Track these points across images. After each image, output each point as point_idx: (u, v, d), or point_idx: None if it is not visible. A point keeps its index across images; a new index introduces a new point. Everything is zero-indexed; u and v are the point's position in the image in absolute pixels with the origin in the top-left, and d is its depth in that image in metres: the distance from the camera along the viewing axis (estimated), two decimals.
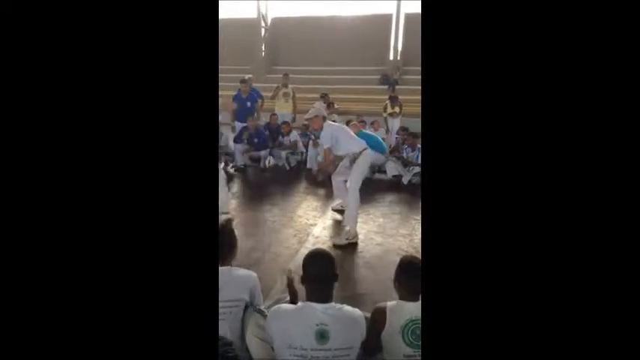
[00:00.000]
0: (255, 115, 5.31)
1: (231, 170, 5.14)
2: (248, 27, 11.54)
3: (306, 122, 3.44)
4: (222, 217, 2.82)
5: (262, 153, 5.17)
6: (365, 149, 3.07)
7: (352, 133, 3.24)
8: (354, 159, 3.06)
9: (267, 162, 5.30)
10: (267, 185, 4.66)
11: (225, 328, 1.45)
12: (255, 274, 1.64)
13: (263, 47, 11.70)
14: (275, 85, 6.25)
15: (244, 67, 10.01)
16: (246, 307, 1.53)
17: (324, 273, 1.29)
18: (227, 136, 5.16)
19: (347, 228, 3.00)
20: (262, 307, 1.57)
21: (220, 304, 1.49)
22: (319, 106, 3.46)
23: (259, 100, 5.56)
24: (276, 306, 1.37)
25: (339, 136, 3.03)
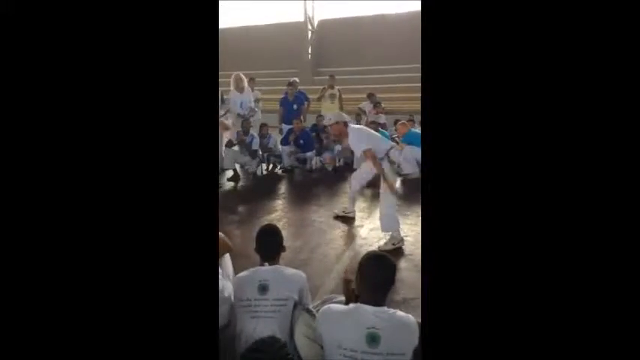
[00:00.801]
0: (302, 117, 5.37)
1: (279, 172, 5.25)
2: (295, 30, 11.75)
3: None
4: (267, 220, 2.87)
5: (308, 154, 5.22)
6: (391, 148, 2.98)
7: (375, 133, 3.18)
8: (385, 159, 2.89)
9: (313, 163, 5.35)
10: (314, 186, 4.70)
11: (275, 327, 1.47)
12: (303, 274, 1.65)
13: (309, 50, 11.84)
14: (321, 86, 6.28)
15: (291, 71, 10.19)
16: (295, 306, 1.55)
17: (382, 277, 1.26)
18: (275, 139, 5.28)
19: (393, 233, 2.90)
20: (310, 307, 1.57)
21: (269, 303, 1.51)
22: (339, 113, 3.33)
23: (305, 102, 5.63)
24: (327, 306, 1.37)
25: (369, 137, 2.97)
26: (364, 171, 3.25)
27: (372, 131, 3.17)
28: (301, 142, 5.15)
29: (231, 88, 5.03)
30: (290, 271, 1.64)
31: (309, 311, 1.50)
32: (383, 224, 2.86)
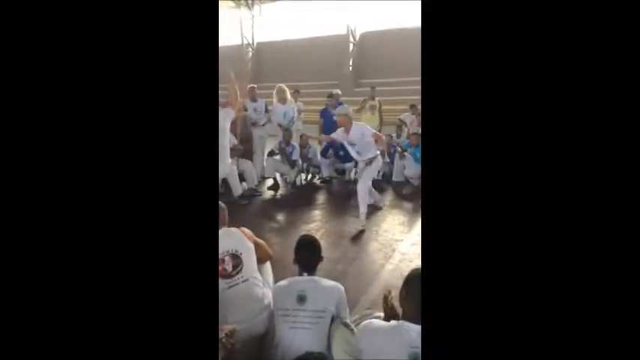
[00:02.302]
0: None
1: (318, 182, 5.28)
2: (336, 43, 11.92)
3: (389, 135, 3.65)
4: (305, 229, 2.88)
5: (347, 165, 5.22)
6: (378, 155, 3.38)
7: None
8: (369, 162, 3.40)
9: (352, 174, 5.33)
10: (353, 197, 4.67)
11: (312, 339, 1.47)
12: (342, 287, 1.64)
13: (351, 62, 11.94)
14: (362, 98, 6.30)
15: (332, 82, 10.32)
16: (332, 319, 1.53)
17: None
18: (314, 149, 5.34)
19: None
20: (348, 321, 1.55)
21: (307, 314, 1.51)
22: (344, 107, 3.69)
23: None
24: (369, 321, 1.34)
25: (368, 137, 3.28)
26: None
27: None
28: (341, 153, 5.16)
29: (274, 99, 5.17)
30: (328, 282, 1.64)
31: (347, 325, 1.48)
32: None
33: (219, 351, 1.25)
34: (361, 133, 3.34)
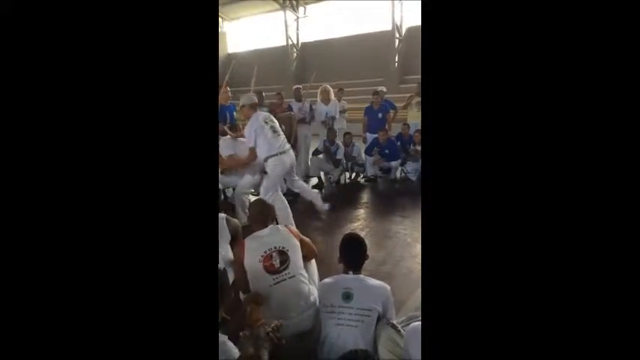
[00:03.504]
0: (387, 126, 5.30)
1: (362, 181, 5.24)
2: (382, 39, 11.73)
3: None
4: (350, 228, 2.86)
5: (393, 164, 5.12)
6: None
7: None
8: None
9: (397, 173, 5.22)
10: (398, 196, 4.58)
11: (358, 337, 1.46)
12: (388, 287, 1.61)
13: (396, 58, 11.69)
14: (408, 94, 6.14)
15: (377, 80, 10.17)
16: (379, 318, 1.51)
17: None
18: (359, 147, 5.30)
19: None
20: (395, 322, 1.52)
21: (353, 311, 1.51)
22: (249, 96, 3.30)
23: (391, 111, 5.55)
24: (418, 323, 1.31)
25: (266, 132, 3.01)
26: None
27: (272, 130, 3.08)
28: (386, 151, 5.08)
29: (318, 99, 5.21)
30: (374, 282, 1.62)
31: (393, 326, 1.46)
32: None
33: (266, 345, 1.28)
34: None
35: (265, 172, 3.14)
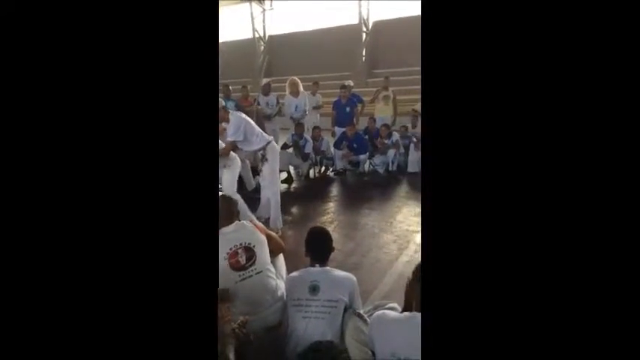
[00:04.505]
0: (355, 120, 5.36)
1: (331, 174, 5.27)
2: (349, 33, 11.78)
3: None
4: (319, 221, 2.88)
5: (361, 157, 5.19)
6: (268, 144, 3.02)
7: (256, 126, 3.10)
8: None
9: (366, 166, 5.30)
10: (367, 189, 4.65)
11: (325, 328, 1.47)
12: (354, 277, 1.63)
13: (364, 52, 11.79)
14: (376, 88, 6.23)
15: (345, 74, 10.22)
16: (345, 309, 1.53)
17: None
18: (327, 142, 5.32)
19: None
20: (361, 312, 1.55)
21: (320, 304, 1.52)
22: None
23: (359, 105, 5.60)
24: (382, 312, 1.34)
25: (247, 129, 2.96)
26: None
27: (254, 124, 3.11)
28: (354, 145, 5.13)
29: (287, 92, 5.17)
30: (341, 273, 1.64)
31: (360, 315, 1.48)
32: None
33: (232, 341, 1.27)
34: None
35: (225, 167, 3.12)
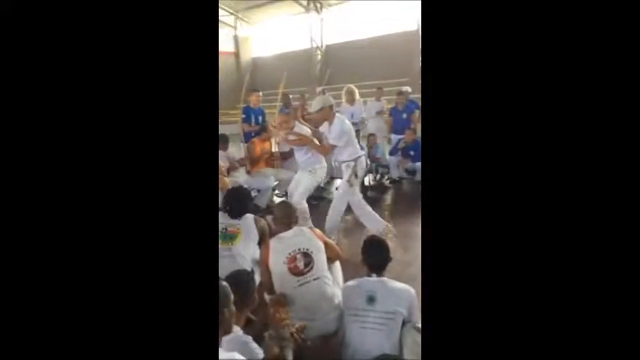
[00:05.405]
0: (413, 126, 5.23)
1: (386, 182, 5.19)
2: (406, 38, 11.58)
3: None
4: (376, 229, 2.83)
5: (417, 165, 5.03)
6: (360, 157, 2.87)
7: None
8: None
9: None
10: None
11: (383, 340, 1.45)
12: (412, 290, 1.59)
13: (421, 57, 11.52)
14: None
15: (403, 80, 10.04)
16: (404, 322, 1.49)
17: None
18: (382, 149, 5.24)
19: None
20: (420, 326, 1.50)
21: (377, 315, 1.50)
22: (324, 98, 3.01)
23: (416, 111, 5.46)
24: None
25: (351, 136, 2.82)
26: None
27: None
28: (411, 152, 5.00)
29: (343, 100, 5.20)
30: (398, 284, 1.60)
31: (419, 330, 1.44)
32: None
33: (290, 345, 1.29)
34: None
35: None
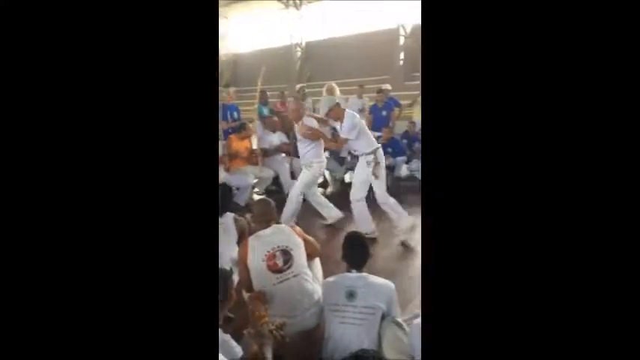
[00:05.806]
0: (390, 123, 5.28)
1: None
2: (387, 37, 11.67)
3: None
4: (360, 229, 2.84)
5: (399, 159, 5.09)
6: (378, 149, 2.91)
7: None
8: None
9: (402, 171, 5.19)
10: (404, 194, 4.54)
11: (363, 335, 1.45)
12: (392, 285, 1.60)
13: (402, 55, 11.62)
14: (415, 92, 6.11)
15: (383, 77, 10.13)
16: (383, 316, 1.50)
17: None
18: None
19: None
20: (399, 320, 1.51)
21: (357, 310, 1.50)
22: (329, 98, 3.12)
23: (395, 109, 5.51)
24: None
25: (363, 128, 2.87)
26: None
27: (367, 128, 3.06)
28: (389, 149, 5.05)
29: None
30: (379, 280, 1.61)
31: (398, 324, 1.45)
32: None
33: (269, 342, 1.28)
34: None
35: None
